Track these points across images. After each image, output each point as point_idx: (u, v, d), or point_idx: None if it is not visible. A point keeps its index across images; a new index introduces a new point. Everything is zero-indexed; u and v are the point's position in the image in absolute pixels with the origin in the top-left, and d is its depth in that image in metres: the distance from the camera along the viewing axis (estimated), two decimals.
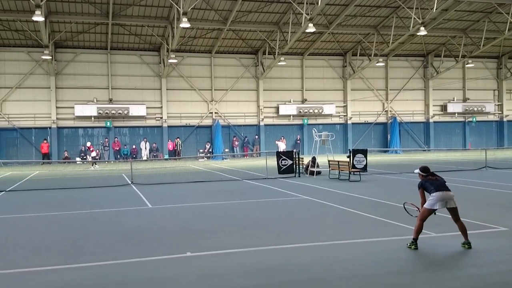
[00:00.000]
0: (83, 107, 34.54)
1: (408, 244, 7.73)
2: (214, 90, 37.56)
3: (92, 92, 35.17)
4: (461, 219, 7.80)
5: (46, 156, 33.42)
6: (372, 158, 29.03)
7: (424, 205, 7.72)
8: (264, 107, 38.48)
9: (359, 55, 38.59)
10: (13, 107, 33.95)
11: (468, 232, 7.78)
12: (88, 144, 31.20)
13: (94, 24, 31.89)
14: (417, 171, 8.08)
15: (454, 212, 7.73)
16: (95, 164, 29.51)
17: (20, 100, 33.98)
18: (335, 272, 6.61)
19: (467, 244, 7.64)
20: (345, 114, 40.56)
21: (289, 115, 39.11)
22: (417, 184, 7.95)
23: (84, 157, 33.25)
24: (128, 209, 12.63)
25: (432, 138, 42.22)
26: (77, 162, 32.21)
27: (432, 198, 7.61)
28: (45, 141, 33.79)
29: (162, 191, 16.44)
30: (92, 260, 7.41)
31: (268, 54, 36.50)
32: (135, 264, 7.16)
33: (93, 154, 29.47)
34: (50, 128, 34.43)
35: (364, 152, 20.69)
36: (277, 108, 38.88)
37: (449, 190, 7.70)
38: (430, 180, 7.79)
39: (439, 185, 7.67)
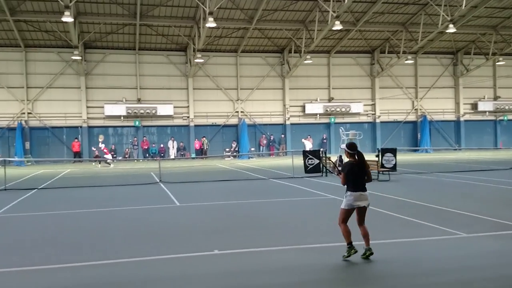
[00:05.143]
0: (112, 107, 35.15)
1: (346, 253, 6.96)
2: (240, 89, 37.64)
3: (121, 92, 35.72)
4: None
5: (77, 155, 34.13)
6: (401, 157, 28.62)
7: (341, 206, 7.18)
8: (290, 106, 38.36)
9: (387, 53, 38.07)
10: (44, 106, 34.76)
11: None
12: (102, 146, 31.61)
13: (122, 25, 32.36)
14: (343, 146, 7.47)
15: (362, 212, 7.16)
16: (100, 163, 30.23)
17: (51, 99, 34.75)
18: (362, 273, 6.53)
19: (368, 251, 6.97)
20: (373, 112, 40.10)
21: (316, 114, 38.88)
22: (341, 168, 7.28)
23: (114, 155, 33.84)
24: (156, 207, 12.77)
25: (463, 137, 41.35)
26: (107, 161, 32.74)
27: (349, 198, 7.10)
28: (76, 140, 34.48)
29: (190, 190, 16.57)
30: (121, 256, 7.50)
31: (294, 53, 36.35)
32: (163, 261, 7.22)
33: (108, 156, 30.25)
34: (81, 127, 35.13)
35: (393, 151, 20.37)
36: (303, 107, 38.71)
37: (365, 190, 7.15)
38: (352, 169, 7.12)
39: (357, 184, 7.07)
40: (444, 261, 6.99)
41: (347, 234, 7.03)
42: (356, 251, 6.93)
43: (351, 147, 7.25)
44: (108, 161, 30.63)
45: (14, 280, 6.51)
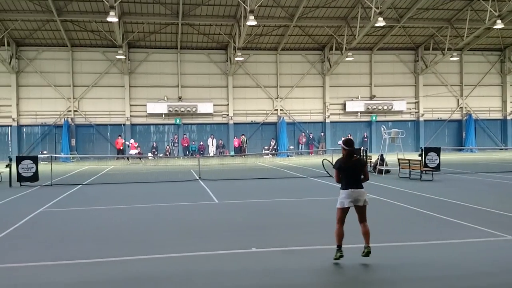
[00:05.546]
0: (154, 105, 35.84)
1: (334, 256, 6.81)
2: (280, 87, 37.56)
3: (163, 90, 36.36)
4: None
5: (121, 152, 34.99)
6: (445, 156, 27.82)
7: (336, 205, 7.05)
8: (330, 104, 37.97)
9: (432, 49, 37.09)
10: (90, 104, 35.79)
11: None
12: (132, 141, 32.48)
13: (165, 24, 32.91)
14: (340, 142, 7.38)
15: (360, 211, 6.97)
16: (128, 159, 31.06)
17: (96, 98, 35.75)
18: (401, 274, 6.38)
19: (366, 248, 6.80)
20: (416, 110, 39.17)
21: (357, 112, 38.33)
22: (333, 164, 7.23)
23: (156, 152, 34.59)
24: (195, 204, 12.92)
25: (509, 137, 39.82)
26: (149, 158, 33.44)
27: (341, 197, 7.00)
28: (119, 137, 35.35)
29: (228, 187, 16.68)
30: (159, 252, 7.61)
31: (335, 50, 35.94)
32: (201, 257, 7.28)
33: (134, 151, 31.06)
34: (124, 124, 35.99)
35: (437, 151, 19.83)
36: (344, 104, 38.24)
37: (361, 187, 7.00)
38: (346, 167, 7.01)
39: (349, 181, 6.97)
40: (488, 264, 6.75)
41: (338, 236, 6.90)
42: (342, 256, 6.76)
43: (347, 143, 7.12)
44: (149, 157, 31.40)
45: (54, 273, 6.72)
